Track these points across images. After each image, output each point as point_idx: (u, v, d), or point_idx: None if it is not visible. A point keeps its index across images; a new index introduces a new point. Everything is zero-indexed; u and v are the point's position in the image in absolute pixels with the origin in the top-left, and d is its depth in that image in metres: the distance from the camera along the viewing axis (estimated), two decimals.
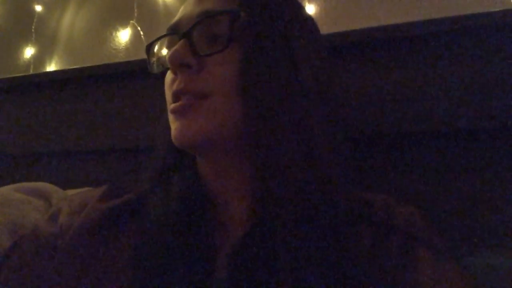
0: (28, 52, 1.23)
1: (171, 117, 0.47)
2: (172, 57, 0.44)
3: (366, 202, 0.47)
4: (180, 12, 0.50)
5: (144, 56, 0.52)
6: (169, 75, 0.49)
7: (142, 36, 1.06)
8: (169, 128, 0.49)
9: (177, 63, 0.45)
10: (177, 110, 0.45)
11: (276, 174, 0.42)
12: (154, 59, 0.52)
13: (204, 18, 0.46)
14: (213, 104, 0.44)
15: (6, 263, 0.48)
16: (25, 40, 1.23)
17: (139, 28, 1.07)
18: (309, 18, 0.53)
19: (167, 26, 0.51)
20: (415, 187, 0.66)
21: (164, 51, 0.52)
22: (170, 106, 0.46)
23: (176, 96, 0.45)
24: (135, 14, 1.08)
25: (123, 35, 1.11)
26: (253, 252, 0.41)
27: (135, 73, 0.89)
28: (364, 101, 0.68)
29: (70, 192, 0.76)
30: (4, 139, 1.04)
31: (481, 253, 0.59)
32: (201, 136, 0.44)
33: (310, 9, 0.88)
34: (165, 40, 0.51)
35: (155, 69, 0.52)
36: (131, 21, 1.08)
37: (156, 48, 0.52)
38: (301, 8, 0.53)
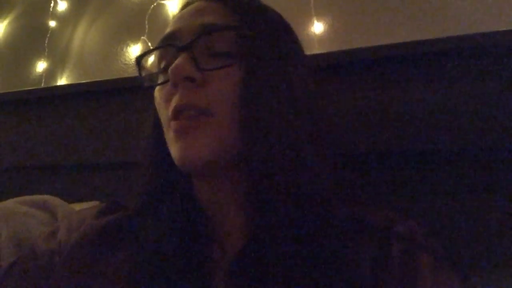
0: (41, 66, 1.25)
1: (172, 136, 0.45)
2: (175, 70, 0.43)
3: (366, 218, 0.46)
4: (175, 24, 0.49)
5: (152, 71, 0.51)
6: (161, 89, 0.48)
7: None
8: (158, 142, 0.48)
9: (181, 77, 0.43)
10: (181, 129, 0.44)
11: (272, 191, 0.41)
12: (144, 72, 0.51)
13: (208, 32, 0.45)
14: (217, 122, 0.43)
15: (5, 282, 0.48)
16: (38, 54, 1.25)
17: (149, 44, 1.08)
18: (297, 38, 0.54)
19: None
20: (421, 206, 0.65)
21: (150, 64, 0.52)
22: (171, 123, 0.45)
23: (178, 112, 0.44)
24: (146, 30, 1.09)
25: (134, 51, 1.12)
26: (249, 269, 0.40)
27: (145, 88, 0.90)
28: (367, 118, 0.68)
29: (75, 206, 0.76)
30: (14, 151, 1.05)
31: (488, 275, 0.57)
32: (205, 156, 0.42)
33: (319, 27, 0.89)
34: (156, 53, 0.50)
35: (146, 82, 0.51)
36: (142, 37, 1.10)
37: (147, 60, 0.52)
38: (291, 28, 0.54)
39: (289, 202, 0.41)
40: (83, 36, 1.21)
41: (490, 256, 0.60)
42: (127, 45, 1.14)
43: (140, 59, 0.50)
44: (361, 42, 0.83)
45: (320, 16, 0.84)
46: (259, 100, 0.43)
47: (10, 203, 0.69)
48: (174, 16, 0.53)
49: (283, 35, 0.50)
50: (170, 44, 0.47)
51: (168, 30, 0.49)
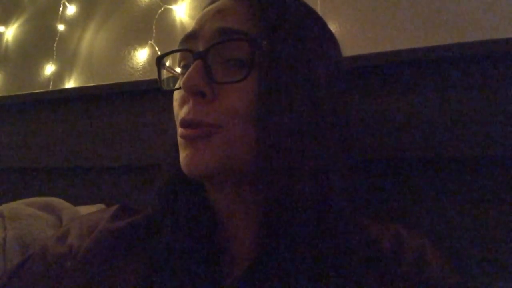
0: (49, 69, 1.26)
1: (180, 141, 0.45)
2: (186, 83, 0.42)
3: (374, 239, 0.45)
4: (197, 23, 0.47)
5: (173, 71, 0.50)
6: (179, 92, 0.47)
7: None
8: (176, 147, 0.47)
9: (191, 91, 0.42)
10: (189, 137, 0.43)
11: (285, 207, 0.40)
12: (165, 74, 0.50)
13: (223, 41, 0.43)
14: (226, 134, 0.42)
15: (13, 282, 0.48)
16: (47, 57, 1.27)
17: (156, 48, 1.09)
18: (332, 36, 0.51)
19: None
20: (429, 214, 0.64)
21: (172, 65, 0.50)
22: (180, 131, 0.44)
23: (186, 124, 0.43)
24: (153, 35, 1.10)
25: (141, 55, 1.13)
26: (258, 283, 0.40)
27: (152, 92, 0.91)
28: (374, 127, 0.67)
29: (81, 208, 0.77)
30: (22, 153, 1.06)
31: (498, 285, 0.57)
32: (212, 167, 0.42)
33: None
34: (177, 53, 0.49)
35: (165, 86, 0.50)
36: (149, 42, 1.10)
37: (167, 61, 0.50)
38: (324, 26, 0.50)
39: (301, 219, 0.40)
40: (91, 40, 1.22)
41: (498, 263, 0.59)
42: (135, 49, 1.14)
43: (160, 60, 0.49)
44: (367, 48, 0.83)
45: (326, 21, 0.84)
46: (276, 113, 0.41)
47: (17, 204, 0.69)
48: (202, 10, 0.50)
49: (310, 40, 0.46)
50: (187, 49, 0.46)
51: (190, 29, 0.48)
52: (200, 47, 0.45)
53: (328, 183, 0.43)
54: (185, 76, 0.42)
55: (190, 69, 0.43)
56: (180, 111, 0.45)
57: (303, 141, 0.42)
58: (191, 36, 0.46)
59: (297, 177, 0.41)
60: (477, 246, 0.61)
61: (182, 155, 0.44)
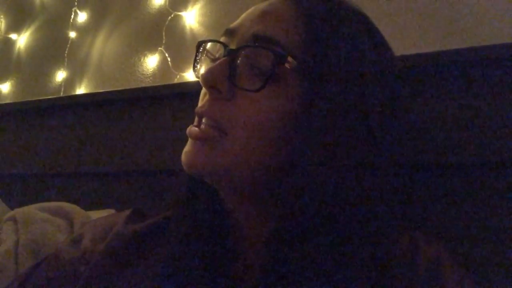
0: (60, 75, 1.28)
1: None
2: (206, 76, 0.42)
3: (388, 248, 0.42)
4: (242, 18, 0.47)
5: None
6: None
7: (169, 63, 1.08)
8: None
9: (209, 85, 0.42)
10: (193, 135, 0.43)
11: (297, 221, 0.39)
12: (200, 60, 0.49)
13: (250, 46, 0.42)
14: (230, 143, 0.41)
15: (26, 285, 0.48)
16: (58, 64, 1.28)
17: (166, 55, 1.10)
18: (386, 56, 0.47)
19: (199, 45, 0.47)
20: (437, 219, 0.63)
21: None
22: (189, 126, 0.44)
23: (198, 117, 0.44)
24: (163, 41, 1.10)
25: (151, 61, 1.14)
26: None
27: (161, 98, 0.91)
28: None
29: (92, 213, 0.77)
30: (34, 158, 1.07)
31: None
32: (210, 169, 0.42)
33: None
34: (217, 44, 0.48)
35: (196, 72, 0.48)
36: (159, 48, 1.11)
37: (208, 46, 0.49)
38: (378, 44, 0.46)
39: (313, 232, 0.38)
40: (102, 47, 1.24)
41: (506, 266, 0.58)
42: (145, 55, 1.15)
43: (200, 44, 0.49)
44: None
45: None
46: (296, 137, 0.40)
47: (29, 209, 0.70)
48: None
49: (355, 66, 0.42)
50: (223, 43, 0.46)
51: (236, 21, 0.47)
52: (234, 45, 0.44)
53: (341, 202, 0.39)
54: (206, 69, 0.43)
55: (214, 64, 0.43)
56: (200, 103, 0.46)
57: (328, 159, 0.39)
58: (232, 31, 0.46)
59: (310, 198, 0.39)
60: (484, 249, 0.60)
61: (184, 150, 0.44)
